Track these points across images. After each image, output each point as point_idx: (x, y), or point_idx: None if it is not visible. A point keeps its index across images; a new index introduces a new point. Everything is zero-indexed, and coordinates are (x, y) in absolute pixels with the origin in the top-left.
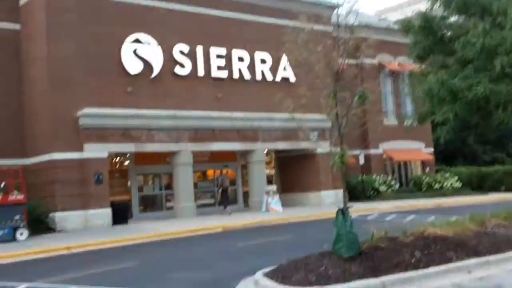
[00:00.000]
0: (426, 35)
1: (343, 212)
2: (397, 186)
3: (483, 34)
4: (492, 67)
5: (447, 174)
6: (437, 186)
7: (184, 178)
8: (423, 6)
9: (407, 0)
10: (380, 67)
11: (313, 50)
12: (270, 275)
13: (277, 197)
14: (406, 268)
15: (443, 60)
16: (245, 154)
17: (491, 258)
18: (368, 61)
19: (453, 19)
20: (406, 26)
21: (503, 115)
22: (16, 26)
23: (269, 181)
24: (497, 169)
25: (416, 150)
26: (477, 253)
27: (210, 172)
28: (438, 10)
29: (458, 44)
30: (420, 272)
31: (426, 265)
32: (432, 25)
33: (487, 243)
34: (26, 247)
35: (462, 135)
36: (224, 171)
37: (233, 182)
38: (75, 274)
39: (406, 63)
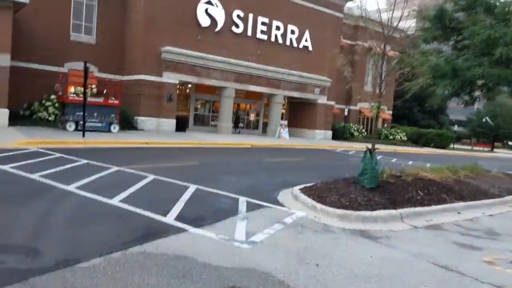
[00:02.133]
0: (437, 23)
1: (370, 151)
2: (365, 133)
3: (489, 27)
4: (490, 54)
5: (399, 130)
6: (391, 137)
7: (227, 107)
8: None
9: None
10: (369, 49)
11: (324, 29)
12: (306, 193)
13: (286, 129)
14: (415, 204)
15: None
16: (269, 96)
17: (472, 203)
18: (360, 43)
19: (458, 14)
20: (423, 14)
21: (489, 94)
22: None
23: (281, 118)
24: (431, 131)
25: (381, 111)
26: (462, 198)
27: (242, 106)
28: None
29: (466, 32)
30: (427, 208)
31: (429, 203)
32: (444, 16)
33: (466, 190)
34: (118, 138)
35: (409, 104)
36: (244, 106)
37: (257, 114)
38: (152, 164)
39: (386, 50)
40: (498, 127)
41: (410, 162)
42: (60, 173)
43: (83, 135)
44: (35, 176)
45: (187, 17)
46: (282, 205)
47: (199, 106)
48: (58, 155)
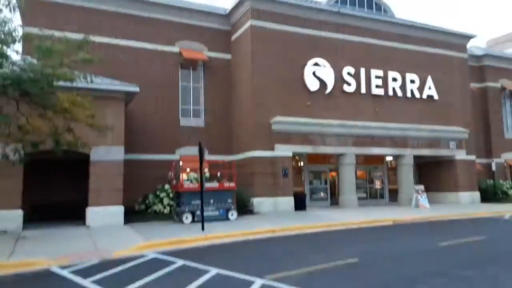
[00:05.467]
0: None
1: None
2: None
3: None
4: None
5: None
6: None
7: (348, 175)
8: None
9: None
10: (502, 89)
11: (449, 73)
12: None
13: (425, 195)
14: None
15: None
16: (396, 158)
17: None
18: (491, 84)
19: None
20: None
21: None
22: (228, 56)
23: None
24: None
25: None
26: None
27: (359, 173)
28: None
29: None
30: None
31: None
32: None
33: None
34: (239, 228)
35: None
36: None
37: (382, 181)
38: (301, 268)
39: None
40: None
41: None
42: None
43: (202, 228)
44: None
45: (294, 83)
46: None
47: (313, 178)
48: (180, 262)
